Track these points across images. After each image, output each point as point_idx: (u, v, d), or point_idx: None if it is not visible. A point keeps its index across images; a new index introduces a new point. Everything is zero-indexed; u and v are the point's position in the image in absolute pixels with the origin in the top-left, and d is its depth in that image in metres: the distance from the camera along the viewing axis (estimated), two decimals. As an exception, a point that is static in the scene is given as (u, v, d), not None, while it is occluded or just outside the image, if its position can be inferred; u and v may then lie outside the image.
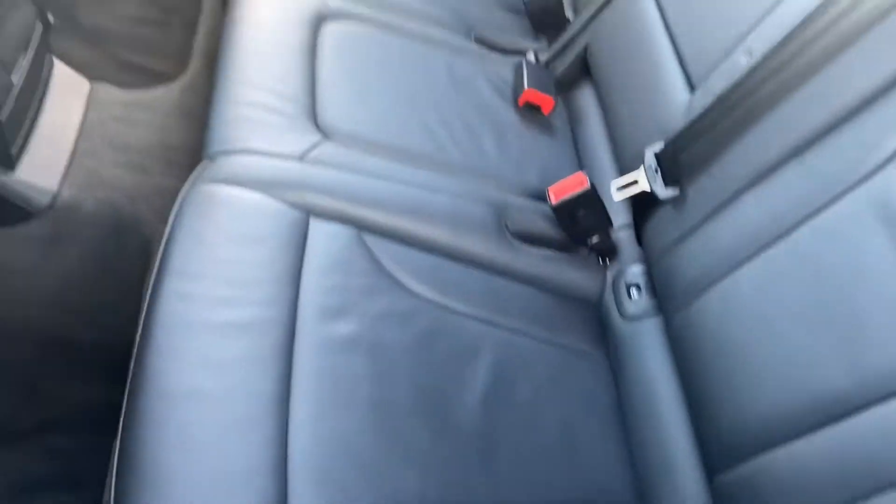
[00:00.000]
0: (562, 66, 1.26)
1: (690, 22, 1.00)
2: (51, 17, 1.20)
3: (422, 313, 0.88)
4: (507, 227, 1.02)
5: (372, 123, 1.03)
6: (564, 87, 1.27)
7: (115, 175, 1.12)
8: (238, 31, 1.07)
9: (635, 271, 1.01)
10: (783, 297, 0.76)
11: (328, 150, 0.96)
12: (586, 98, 1.23)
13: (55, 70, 1.15)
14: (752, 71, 0.83)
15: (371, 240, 0.92)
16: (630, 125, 1.06)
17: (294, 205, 0.89)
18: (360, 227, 0.92)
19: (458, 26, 1.27)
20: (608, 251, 1.05)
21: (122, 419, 0.72)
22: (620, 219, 1.05)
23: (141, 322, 0.78)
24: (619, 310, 1.01)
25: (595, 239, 1.03)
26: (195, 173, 0.90)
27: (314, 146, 0.95)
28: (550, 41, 1.30)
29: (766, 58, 0.82)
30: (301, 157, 0.94)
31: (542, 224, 1.04)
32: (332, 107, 1.02)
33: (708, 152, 0.88)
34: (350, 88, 1.05)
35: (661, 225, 0.96)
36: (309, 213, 0.89)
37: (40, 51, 1.09)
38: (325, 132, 0.99)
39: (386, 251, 0.92)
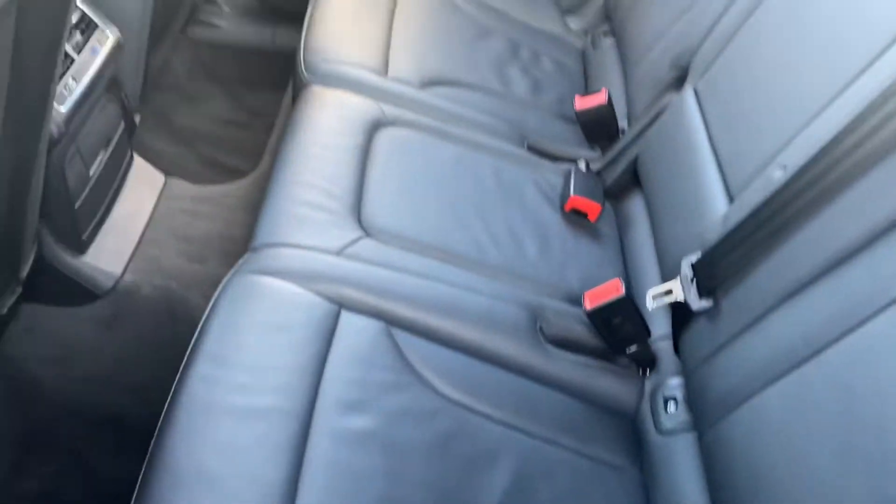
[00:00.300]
0: (613, 174, 1.27)
1: (732, 135, 1.00)
2: (137, 118, 1.31)
3: (443, 413, 0.88)
4: (541, 330, 1.01)
5: (413, 223, 1.06)
6: (615, 195, 1.27)
7: (175, 263, 1.19)
8: (299, 132, 1.14)
9: (673, 384, 0.98)
10: (811, 420, 0.72)
11: (366, 245, 1.00)
12: (636, 207, 1.23)
13: (134, 165, 1.25)
14: (786, 185, 0.82)
15: (400, 335, 0.93)
16: (671, 234, 1.05)
17: (327, 297, 0.92)
18: (391, 321, 0.93)
19: (513, 135, 1.31)
20: (647, 361, 1.02)
21: (134, 496, 0.74)
22: (661, 329, 1.03)
23: (167, 401, 0.81)
24: (654, 423, 0.97)
25: (633, 348, 1.01)
26: (238, 263, 0.95)
27: (353, 242, 0.99)
28: (604, 150, 1.32)
29: (799, 173, 0.81)
30: (338, 252, 0.97)
31: (579, 330, 1.02)
32: (376, 206, 1.06)
33: (742, 266, 0.86)
34: (396, 189, 1.10)
35: (696, 337, 0.93)
36: (341, 305, 0.92)
37: (121, 147, 1.20)
38: (366, 229, 1.03)
39: (414, 347, 0.92)
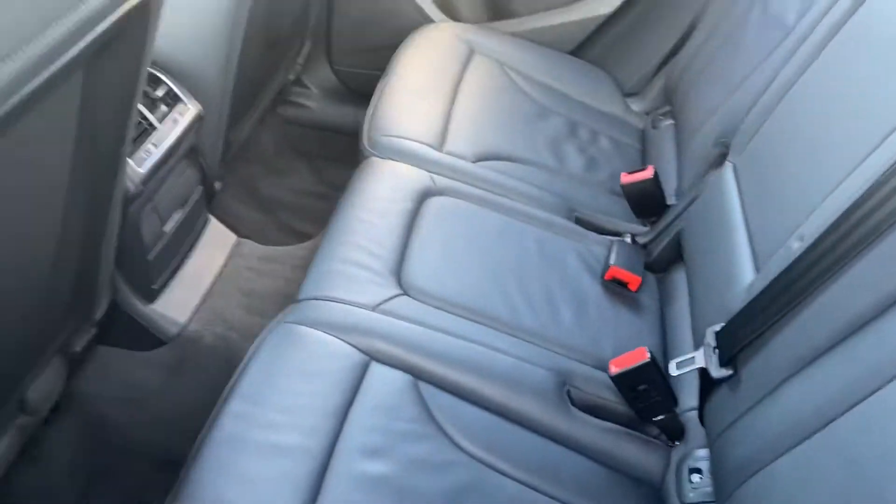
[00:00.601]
0: (658, 248, 1.29)
1: (762, 208, 1.01)
2: (218, 185, 1.44)
3: (460, 466, 0.91)
4: (569, 394, 1.03)
5: (450, 284, 1.11)
6: (661, 268, 1.29)
7: (236, 315, 1.28)
8: (353, 196, 1.23)
9: (700, 455, 0.97)
10: (817, 492, 0.71)
11: (402, 302, 1.06)
12: (678, 280, 1.24)
13: (209, 225, 1.37)
14: (802, 256, 0.83)
15: (426, 388, 0.97)
16: (704, 304, 1.06)
17: (359, 348, 0.98)
18: (418, 375, 0.98)
19: (561, 208, 1.36)
20: (674, 431, 1.02)
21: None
22: (691, 400, 1.02)
23: (200, 435, 0.88)
24: (679, 494, 0.96)
25: (660, 417, 1.01)
26: (281, 314, 1.02)
27: (389, 299, 1.05)
28: (651, 225, 1.35)
29: (815, 243, 0.82)
30: (374, 307, 1.03)
31: (607, 396, 1.04)
32: (416, 267, 1.12)
33: (760, 335, 0.86)
34: (437, 252, 1.16)
35: (718, 406, 0.93)
36: (372, 357, 0.98)
37: (197, 209, 1.32)
38: (404, 288, 1.09)
39: (438, 401, 0.96)
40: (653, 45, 1.76)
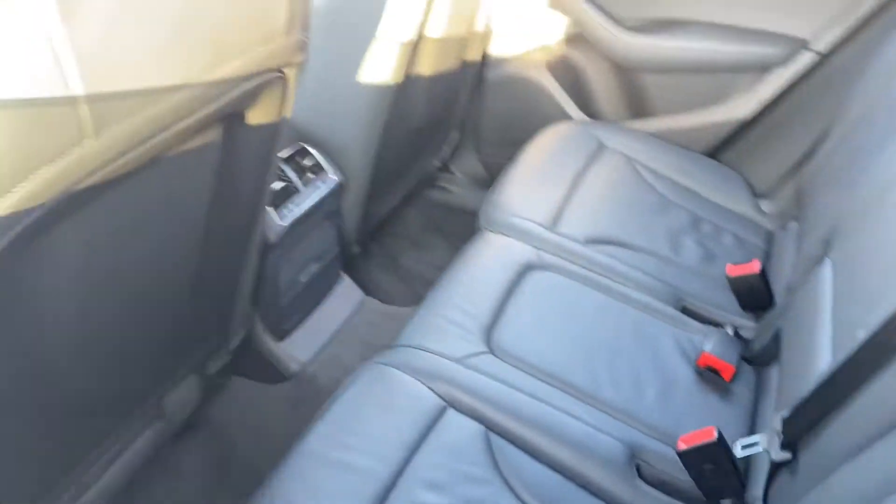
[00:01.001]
0: (759, 342, 1.28)
1: (847, 301, 1.01)
2: (356, 249, 1.62)
3: (516, 516, 0.96)
4: (638, 468, 1.06)
5: (536, 350, 1.18)
6: (760, 362, 1.28)
7: (351, 362, 1.42)
8: (461, 263, 1.35)
9: (762, 543, 0.96)
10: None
11: (486, 360, 1.14)
12: (775, 374, 1.23)
13: (341, 281, 1.55)
14: (864, 343, 0.83)
15: (496, 440, 1.04)
16: (782, 392, 1.05)
17: (438, 394, 1.07)
18: (490, 427, 1.05)
19: (668, 296, 1.39)
20: (742, 518, 1.01)
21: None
22: (758, 487, 1.01)
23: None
24: (738, 580, 0.95)
25: (727, 501, 1.00)
26: (377, 356, 1.14)
27: (475, 354, 1.14)
28: (757, 319, 1.35)
29: (876, 331, 0.82)
30: (459, 360, 1.13)
31: (676, 474, 1.05)
32: (506, 330, 1.21)
33: (820, 421, 0.86)
34: (529, 320, 1.24)
35: (779, 492, 0.92)
36: (449, 404, 1.07)
37: (332, 266, 1.50)
38: (491, 348, 1.17)
39: (506, 453, 1.03)
40: (787, 149, 1.77)
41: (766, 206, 1.76)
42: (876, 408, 0.78)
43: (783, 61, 1.76)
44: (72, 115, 0.55)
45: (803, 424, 0.89)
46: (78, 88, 0.54)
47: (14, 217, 0.55)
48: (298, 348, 1.41)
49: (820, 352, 1.00)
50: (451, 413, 1.06)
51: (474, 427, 1.05)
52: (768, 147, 1.81)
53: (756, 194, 1.78)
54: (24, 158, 0.53)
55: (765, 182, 1.79)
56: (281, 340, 1.39)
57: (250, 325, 1.31)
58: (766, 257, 1.60)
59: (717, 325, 1.35)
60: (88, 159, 0.59)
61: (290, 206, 1.29)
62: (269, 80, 0.83)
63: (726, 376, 1.22)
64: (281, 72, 0.85)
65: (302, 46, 0.84)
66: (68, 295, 0.74)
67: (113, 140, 0.61)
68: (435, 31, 1.45)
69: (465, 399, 1.08)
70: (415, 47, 1.39)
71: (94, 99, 0.56)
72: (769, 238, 1.67)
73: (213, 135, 0.85)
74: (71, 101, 0.54)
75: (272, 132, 0.94)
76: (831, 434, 0.84)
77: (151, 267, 0.89)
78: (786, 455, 0.90)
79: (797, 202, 1.70)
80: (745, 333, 1.33)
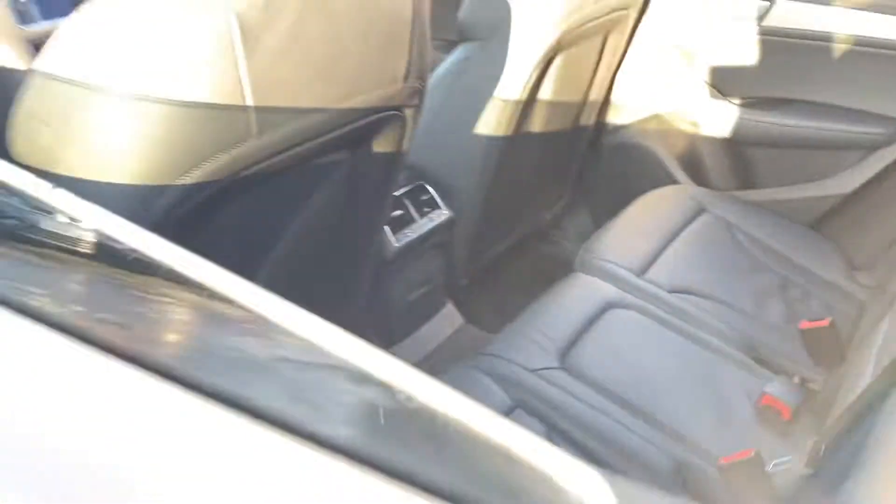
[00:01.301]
0: (824, 392, 1.35)
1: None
2: (463, 281, 1.83)
3: None
4: (684, 482, 1.16)
5: (603, 373, 1.32)
6: (824, 412, 1.35)
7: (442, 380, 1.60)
8: (550, 295, 1.51)
9: (792, 561, 1.04)
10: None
11: (558, 374, 1.30)
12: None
13: (445, 306, 1.75)
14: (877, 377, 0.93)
15: (556, 441, 1.19)
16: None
17: (511, 396, 1.24)
18: (552, 428, 1.20)
19: (740, 343, 1.48)
20: (777, 538, 1.09)
21: None
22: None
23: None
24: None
25: (763, 521, 1.09)
26: (468, 359, 1.33)
27: (549, 368, 1.30)
28: (828, 369, 1.41)
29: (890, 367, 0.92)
30: (533, 370, 1.29)
31: (720, 495, 1.14)
32: (580, 353, 1.35)
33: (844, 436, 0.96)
34: (602, 348, 1.38)
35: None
36: (518, 404, 1.23)
37: (437, 291, 1.71)
38: (564, 365, 1.33)
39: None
40: (887, 223, 1.81)
41: (861, 277, 1.80)
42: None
43: (888, 141, 1.83)
44: (244, 119, 0.79)
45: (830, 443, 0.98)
46: (250, 100, 0.78)
47: (199, 186, 0.79)
48: (399, 357, 1.60)
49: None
50: (519, 413, 1.22)
51: (538, 427, 1.20)
52: (868, 221, 1.86)
53: (854, 267, 1.83)
54: (210, 144, 0.78)
55: (862, 254, 1.84)
56: (386, 349, 1.59)
57: (360, 331, 1.53)
58: (853, 324, 1.65)
59: (783, 373, 1.43)
60: (252, 153, 0.83)
61: (406, 231, 1.52)
62: (389, 116, 1.06)
63: (786, 415, 1.30)
64: (400, 111, 1.08)
65: (417, 92, 1.07)
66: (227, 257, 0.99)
67: (270, 141, 0.84)
68: (546, 93, 1.66)
69: (534, 402, 1.23)
70: (525, 106, 1.60)
71: (259, 109, 0.80)
72: (861, 307, 1.71)
73: (345, 155, 1.08)
74: (245, 108, 0.78)
75: (392, 160, 1.17)
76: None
77: (285, 255, 1.12)
78: (807, 471, 0.99)
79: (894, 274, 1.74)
80: (812, 386, 1.40)
